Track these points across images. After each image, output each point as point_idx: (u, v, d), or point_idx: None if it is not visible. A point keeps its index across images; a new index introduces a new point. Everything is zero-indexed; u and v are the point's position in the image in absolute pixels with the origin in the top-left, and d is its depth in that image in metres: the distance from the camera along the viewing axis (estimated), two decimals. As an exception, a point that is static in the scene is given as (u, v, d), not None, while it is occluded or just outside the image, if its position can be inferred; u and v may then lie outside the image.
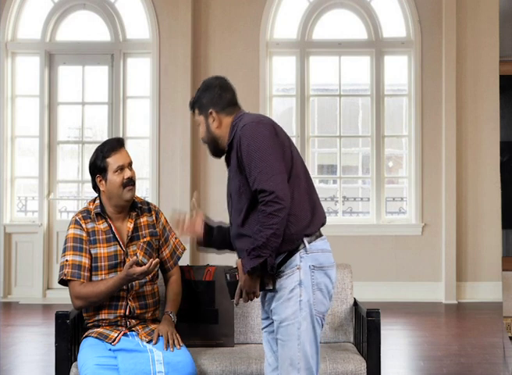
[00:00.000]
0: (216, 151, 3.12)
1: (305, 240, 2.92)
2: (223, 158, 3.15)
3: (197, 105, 3.10)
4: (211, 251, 3.32)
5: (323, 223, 3.01)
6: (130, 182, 3.45)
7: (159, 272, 3.63)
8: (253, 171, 2.86)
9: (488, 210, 7.91)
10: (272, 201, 2.80)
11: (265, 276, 2.89)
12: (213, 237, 3.20)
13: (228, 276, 2.95)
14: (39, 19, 8.26)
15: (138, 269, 3.26)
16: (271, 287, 2.91)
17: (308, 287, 2.90)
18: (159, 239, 3.58)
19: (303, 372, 2.89)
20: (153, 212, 3.59)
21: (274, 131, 2.93)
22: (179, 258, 3.66)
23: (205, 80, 3.15)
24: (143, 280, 3.45)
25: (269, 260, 2.83)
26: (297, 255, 2.91)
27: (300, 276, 2.90)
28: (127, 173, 3.44)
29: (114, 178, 3.42)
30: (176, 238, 3.66)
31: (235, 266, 2.95)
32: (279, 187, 2.82)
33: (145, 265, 3.30)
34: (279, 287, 2.91)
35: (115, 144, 3.47)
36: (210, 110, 3.05)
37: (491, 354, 5.58)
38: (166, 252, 3.61)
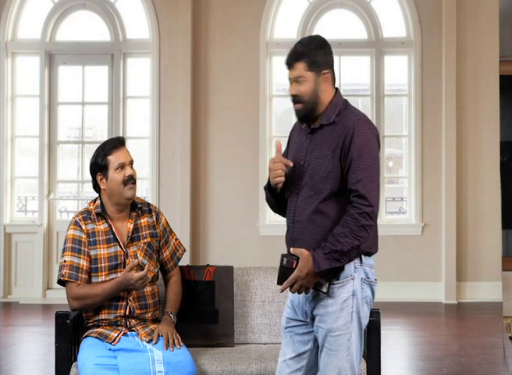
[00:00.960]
0: (309, 115, 2.88)
1: (362, 255, 2.89)
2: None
3: (308, 58, 2.84)
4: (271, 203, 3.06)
5: (377, 251, 3.00)
6: (131, 180, 3.44)
7: (159, 273, 3.63)
8: (359, 172, 2.75)
9: (488, 210, 7.91)
10: (368, 215, 2.75)
11: (323, 277, 2.82)
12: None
13: (285, 260, 2.81)
14: (39, 19, 8.25)
15: (136, 275, 3.26)
16: (325, 291, 2.83)
17: (359, 299, 2.86)
18: (159, 240, 3.57)
19: None
20: (153, 213, 3.58)
21: (379, 145, 2.88)
22: (179, 259, 3.66)
23: (315, 36, 2.94)
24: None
25: (344, 267, 2.81)
26: (352, 265, 2.85)
27: (353, 286, 2.85)
28: (128, 171, 3.44)
29: (115, 176, 3.42)
30: (176, 239, 3.66)
31: (293, 253, 2.81)
32: (378, 203, 2.78)
33: (145, 266, 3.30)
34: (331, 295, 2.84)
35: (116, 143, 3.47)
36: (327, 70, 2.86)
37: (491, 354, 5.58)
38: (166, 253, 3.60)
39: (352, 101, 3.05)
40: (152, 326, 3.45)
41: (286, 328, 3.00)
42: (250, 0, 8.10)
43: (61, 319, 3.39)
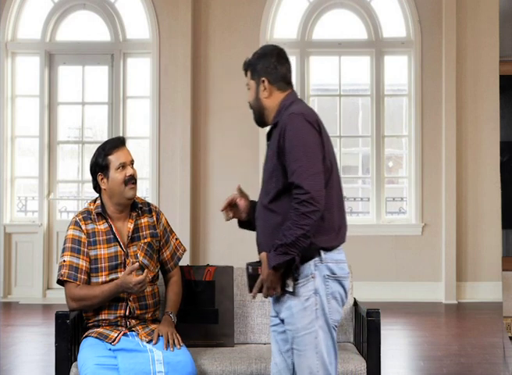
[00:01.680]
0: (260, 121, 3.06)
1: (321, 251, 2.89)
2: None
3: (251, 68, 3.03)
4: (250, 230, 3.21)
5: (342, 242, 2.98)
6: (132, 179, 3.44)
7: (159, 273, 3.63)
8: (293, 163, 2.80)
9: (488, 210, 7.91)
10: (306, 202, 2.75)
11: (288, 277, 2.85)
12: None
13: (250, 268, 2.88)
14: (39, 19, 8.26)
15: (135, 279, 3.25)
16: (291, 290, 2.85)
17: (323, 296, 2.86)
18: (160, 240, 3.58)
19: None
20: (153, 213, 3.58)
21: (319, 131, 2.89)
22: (179, 259, 3.65)
23: (264, 46, 3.11)
24: None
25: (296, 259, 2.80)
26: (311, 263, 2.87)
27: (315, 284, 2.86)
28: (129, 171, 3.44)
29: (116, 175, 3.42)
30: (176, 239, 3.66)
31: (258, 259, 2.89)
32: (316, 188, 2.77)
33: (145, 271, 3.30)
34: (295, 294, 2.86)
35: (116, 142, 3.47)
36: (263, 78, 3.00)
37: (491, 354, 5.58)
38: (167, 253, 3.60)
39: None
40: (152, 327, 3.46)
41: (271, 327, 3.08)
42: (250, 0, 8.10)
43: (61, 319, 3.39)
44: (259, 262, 2.87)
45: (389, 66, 8.24)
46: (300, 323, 2.86)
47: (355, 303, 3.78)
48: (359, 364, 3.44)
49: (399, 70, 8.28)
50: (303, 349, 2.86)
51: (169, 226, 3.65)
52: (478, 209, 7.94)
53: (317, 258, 2.87)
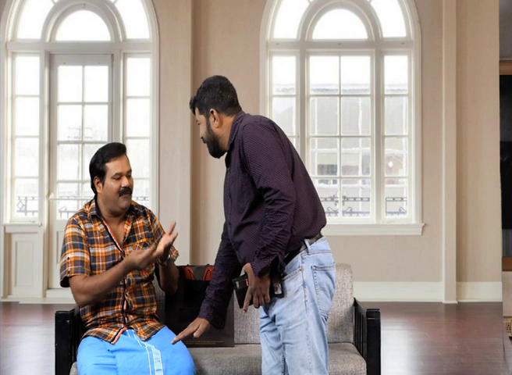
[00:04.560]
0: (216, 151, 3.13)
1: (306, 241, 2.93)
2: (222, 158, 3.16)
3: (197, 103, 3.14)
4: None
5: (323, 225, 3.02)
6: (127, 191, 3.45)
7: (153, 273, 3.64)
8: (257, 169, 2.87)
9: (488, 210, 7.91)
10: (278, 200, 2.81)
11: (274, 279, 2.88)
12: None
13: (237, 283, 2.91)
14: (39, 19, 8.26)
15: (140, 255, 3.24)
16: (280, 292, 2.90)
17: (312, 287, 2.91)
18: (153, 240, 3.60)
19: (315, 371, 2.90)
20: (148, 215, 3.62)
21: (275, 131, 2.96)
22: (173, 260, 3.67)
23: (206, 79, 3.18)
24: (139, 277, 3.47)
25: (280, 258, 2.83)
26: (299, 256, 2.92)
27: (303, 277, 2.91)
28: (125, 182, 3.44)
29: (111, 184, 3.43)
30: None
31: (242, 273, 2.93)
32: (284, 184, 2.83)
33: (150, 246, 3.31)
34: (283, 291, 2.91)
35: (115, 151, 3.46)
36: (211, 109, 3.09)
37: (491, 354, 5.58)
38: None
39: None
40: (150, 324, 3.47)
41: (261, 329, 3.11)
42: (250, 0, 8.10)
43: (61, 319, 3.39)
44: (245, 275, 2.89)
45: (389, 66, 8.24)
46: (291, 315, 2.90)
47: (355, 303, 3.78)
48: (359, 364, 3.44)
49: (399, 70, 8.28)
50: (294, 342, 2.90)
51: (162, 229, 3.68)
52: (478, 209, 7.94)
53: (303, 251, 2.92)
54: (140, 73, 8.29)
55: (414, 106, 8.05)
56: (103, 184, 3.45)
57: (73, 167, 8.45)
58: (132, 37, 8.29)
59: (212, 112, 3.09)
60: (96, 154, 3.48)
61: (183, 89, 7.96)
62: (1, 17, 8.13)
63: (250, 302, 2.90)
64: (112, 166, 3.43)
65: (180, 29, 8.00)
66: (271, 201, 2.82)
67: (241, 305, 2.94)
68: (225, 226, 3.19)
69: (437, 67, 7.97)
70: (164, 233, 3.63)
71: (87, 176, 8.23)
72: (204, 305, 3.23)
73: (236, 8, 8.09)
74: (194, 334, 3.16)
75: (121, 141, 7.96)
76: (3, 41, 8.14)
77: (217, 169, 7.89)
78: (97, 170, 3.45)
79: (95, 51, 8.26)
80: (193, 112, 3.19)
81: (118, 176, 3.43)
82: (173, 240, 3.32)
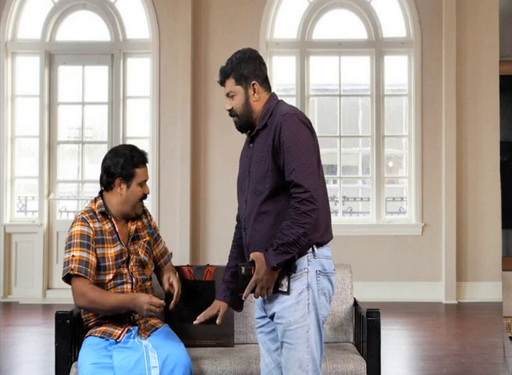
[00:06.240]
0: (247, 125, 3.03)
1: (314, 246, 2.91)
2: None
3: (235, 74, 2.99)
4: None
5: (330, 239, 3.01)
6: (145, 198, 3.52)
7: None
8: (292, 162, 2.83)
9: (488, 210, 7.91)
10: (307, 200, 2.79)
11: (281, 276, 2.87)
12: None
13: (243, 269, 2.86)
14: (39, 19, 8.26)
15: (153, 299, 3.27)
16: (285, 290, 2.88)
17: (315, 291, 2.90)
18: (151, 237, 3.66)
19: (311, 374, 2.89)
20: (148, 214, 3.66)
21: (312, 132, 2.96)
22: (169, 259, 3.70)
23: (242, 50, 3.05)
24: (144, 276, 3.49)
25: (296, 257, 2.83)
26: (305, 258, 2.90)
27: (307, 279, 2.89)
28: (147, 190, 3.52)
29: (137, 189, 3.46)
30: (164, 243, 3.74)
31: (250, 260, 2.88)
32: (315, 187, 2.82)
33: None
34: (289, 289, 2.89)
35: (144, 158, 3.50)
36: (253, 81, 3.00)
37: (491, 354, 5.58)
38: (157, 251, 3.66)
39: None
40: (152, 322, 3.49)
41: (257, 329, 3.10)
42: (250, 0, 8.10)
43: (61, 319, 3.39)
44: (252, 263, 2.86)
45: (389, 66, 8.24)
46: (293, 316, 2.88)
47: (355, 303, 3.78)
48: (359, 364, 3.44)
49: (399, 70, 8.28)
50: (294, 343, 2.89)
51: (158, 229, 3.72)
52: (478, 209, 7.95)
53: (310, 254, 2.91)
54: (140, 73, 8.29)
55: (414, 106, 8.05)
56: (128, 187, 3.45)
57: (73, 167, 8.45)
58: (132, 37, 8.29)
59: (254, 84, 2.99)
60: (123, 154, 3.45)
61: (183, 89, 7.96)
62: (1, 17, 8.13)
63: (252, 291, 2.87)
64: (141, 173, 3.47)
65: (180, 29, 8.00)
66: (299, 200, 2.79)
67: (242, 291, 2.90)
68: (239, 208, 3.10)
69: (437, 67, 7.98)
70: (159, 234, 3.69)
71: (87, 176, 8.28)
72: (221, 287, 3.21)
73: (236, 8, 8.10)
74: (217, 322, 3.15)
75: (121, 141, 7.97)
76: (3, 41, 8.14)
77: (217, 169, 7.89)
78: (126, 172, 3.44)
79: (95, 51, 8.26)
80: (222, 82, 3.03)
81: (143, 183, 3.48)
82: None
